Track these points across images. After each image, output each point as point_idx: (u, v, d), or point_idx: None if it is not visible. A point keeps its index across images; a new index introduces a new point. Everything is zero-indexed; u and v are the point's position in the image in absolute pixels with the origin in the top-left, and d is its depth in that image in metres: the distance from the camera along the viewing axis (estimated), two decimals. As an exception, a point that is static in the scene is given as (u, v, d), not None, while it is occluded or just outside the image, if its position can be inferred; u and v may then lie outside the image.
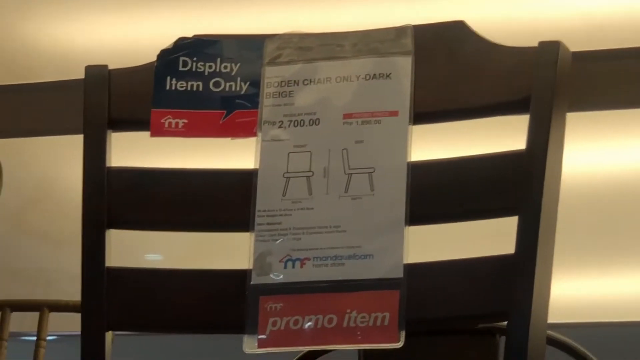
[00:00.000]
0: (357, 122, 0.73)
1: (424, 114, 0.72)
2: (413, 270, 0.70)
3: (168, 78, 0.75)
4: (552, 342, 1.02)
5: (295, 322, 0.70)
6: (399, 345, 0.68)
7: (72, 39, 1.26)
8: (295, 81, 0.74)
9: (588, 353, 1.05)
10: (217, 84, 0.74)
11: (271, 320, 0.70)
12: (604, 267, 1.55)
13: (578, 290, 1.47)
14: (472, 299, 0.71)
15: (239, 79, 0.74)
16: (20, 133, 0.91)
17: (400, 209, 0.70)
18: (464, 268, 0.71)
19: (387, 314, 0.69)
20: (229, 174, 0.75)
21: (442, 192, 0.72)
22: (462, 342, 0.95)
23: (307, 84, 0.74)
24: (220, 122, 0.74)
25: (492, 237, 0.77)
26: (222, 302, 0.72)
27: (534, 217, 0.68)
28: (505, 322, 0.69)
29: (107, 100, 0.75)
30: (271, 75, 0.74)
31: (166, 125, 0.74)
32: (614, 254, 1.52)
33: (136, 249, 1.01)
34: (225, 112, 0.74)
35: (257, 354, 0.70)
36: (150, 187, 0.75)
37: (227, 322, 0.72)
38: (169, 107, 0.74)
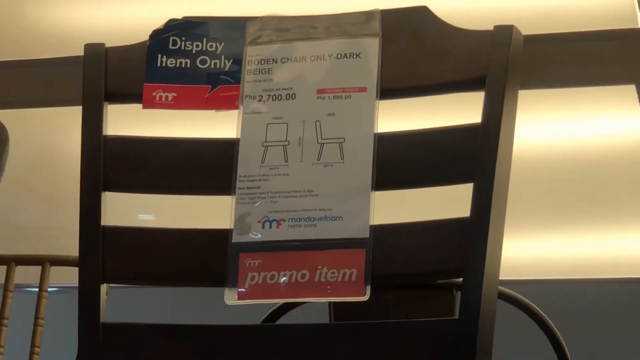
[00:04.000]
0: (329, 97, 0.76)
1: (389, 90, 0.76)
2: (378, 231, 0.73)
3: (159, 55, 0.78)
4: (503, 296, 1.08)
5: (272, 277, 0.73)
6: (365, 298, 0.72)
7: (73, 20, 1.31)
8: (274, 59, 0.77)
9: (534, 306, 1.10)
10: (203, 62, 0.78)
11: (250, 275, 0.74)
12: (551, 229, 1.64)
13: (527, 250, 1.55)
14: (431, 257, 0.75)
15: (223, 57, 0.77)
16: (26, 104, 0.94)
17: (367, 175, 0.74)
18: (424, 229, 0.75)
19: (355, 270, 0.73)
20: (214, 142, 0.78)
21: (405, 161, 0.76)
22: (423, 296, 1.00)
23: (284, 62, 0.77)
24: (206, 95, 0.77)
25: (451, 202, 0.81)
26: (206, 258, 0.76)
27: (488, 184, 0.72)
28: (461, 279, 0.73)
29: (104, 75, 0.79)
30: (252, 54, 0.78)
31: (157, 98, 0.78)
32: (561, 216, 1.61)
33: (130, 210, 1.05)
34: (210, 87, 0.77)
35: (237, 305, 0.73)
36: (142, 154, 0.78)
37: (211, 276, 0.76)
38: (160, 81, 0.77)
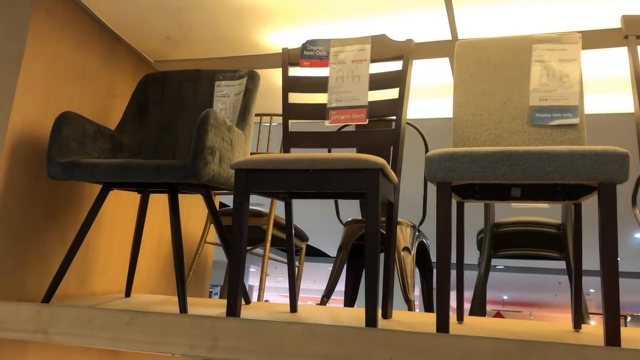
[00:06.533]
0: (356, 62, 2.47)
1: (373, 60, 2.45)
2: (370, 103, 2.43)
3: (303, 50, 2.48)
4: (408, 125, 2.79)
5: (338, 116, 2.48)
6: (367, 122, 2.44)
7: (274, 39, 2.95)
8: (338, 51, 2.48)
9: (416, 126, 2.88)
10: (317, 52, 2.47)
11: (332, 116, 2.46)
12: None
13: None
14: (384, 111, 2.46)
15: (324, 50, 2.49)
16: (266, 67, 2.74)
17: (366, 86, 2.42)
18: (387, 100, 2.48)
19: (363, 114, 2.41)
20: (322, 77, 2.46)
21: (377, 83, 2.48)
22: (382, 122, 2.76)
23: (342, 52, 2.46)
24: (320, 62, 2.51)
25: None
26: (320, 111, 2.51)
27: (401, 96, 2.43)
28: (394, 117, 2.45)
29: (288, 58, 2.50)
30: (332, 50, 2.49)
31: (304, 63, 2.47)
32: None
33: (294, 99, 2.79)
34: (319, 60, 2.51)
35: (328, 126, 2.48)
36: (299, 80, 2.54)
37: (321, 116, 2.53)
38: (304, 58, 2.46)
